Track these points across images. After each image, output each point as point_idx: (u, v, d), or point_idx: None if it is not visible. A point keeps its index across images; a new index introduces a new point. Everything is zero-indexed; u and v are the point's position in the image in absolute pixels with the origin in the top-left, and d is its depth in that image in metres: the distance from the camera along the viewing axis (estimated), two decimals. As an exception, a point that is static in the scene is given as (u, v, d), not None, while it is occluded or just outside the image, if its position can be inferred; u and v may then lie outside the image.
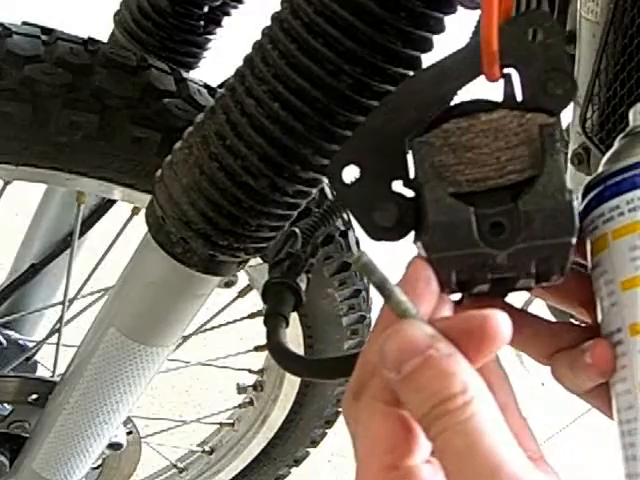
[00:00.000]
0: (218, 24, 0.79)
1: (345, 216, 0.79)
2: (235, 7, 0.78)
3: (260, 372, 0.99)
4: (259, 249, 0.57)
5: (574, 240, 0.32)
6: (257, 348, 0.98)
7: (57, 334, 0.83)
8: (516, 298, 0.37)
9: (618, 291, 0.33)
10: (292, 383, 0.93)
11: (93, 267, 0.87)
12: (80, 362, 0.69)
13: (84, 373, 0.68)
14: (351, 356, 0.35)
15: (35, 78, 0.60)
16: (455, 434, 0.27)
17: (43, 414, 0.74)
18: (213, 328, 0.96)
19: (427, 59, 0.48)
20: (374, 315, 0.87)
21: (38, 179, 0.68)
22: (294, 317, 0.82)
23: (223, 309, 0.95)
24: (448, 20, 0.48)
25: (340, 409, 0.95)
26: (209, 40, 0.79)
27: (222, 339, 1.16)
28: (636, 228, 0.33)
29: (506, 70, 0.34)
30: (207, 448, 1.07)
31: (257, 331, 1.02)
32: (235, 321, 0.97)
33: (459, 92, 0.35)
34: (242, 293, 0.94)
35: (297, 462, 1.05)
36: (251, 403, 1.01)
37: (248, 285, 0.90)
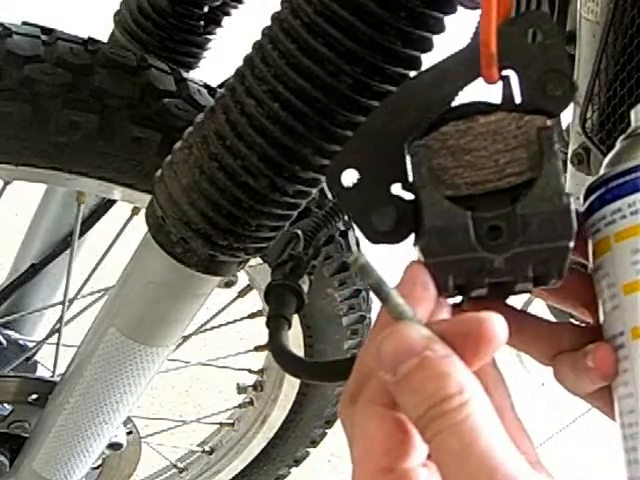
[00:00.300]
0: (218, 24, 0.79)
1: (346, 217, 0.79)
2: (235, 7, 0.78)
3: (260, 372, 0.99)
4: (259, 249, 0.57)
5: (572, 244, 0.32)
6: (257, 348, 0.98)
7: (57, 334, 0.83)
8: (516, 298, 0.37)
9: (620, 294, 0.33)
10: (292, 383, 0.93)
11: (93, 267, 0.87)
12: (80, 362, 0.69)
13: (84, 373, 0.68)
14: (352, 359, 0.35)
15: (35, 78, 0.60)
16: (451, 435, 0.27)
17: (43, 414, 0.74)
18: (213, 328, 0.96)
19: (427, 59, 0.48)
20: (374, 315, 0.86)
21: (38, 179, 0.68)
22: (294, 317, 0.82)
23: (223, 309, 0.95)
24: (448, 20, 0.48)
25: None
26: (209, 40, 0.79)
27: (222, 339, 1.17)
28: (638, 231, 0.33)
29: (505, 72, 0.34)
30: (207, 448, 1.07)
31: (257, 331, 1.03)
32: (235, 321, 0.97)
33: (459, 93, 0.35)
34: (242, 293, 0.94)
35: (297, 462, 1.05)
36: (251, 403, 1.01)
37: (248, 285, 0.90)
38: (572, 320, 0.41)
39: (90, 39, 0.64)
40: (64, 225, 0.89)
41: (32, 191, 0.84)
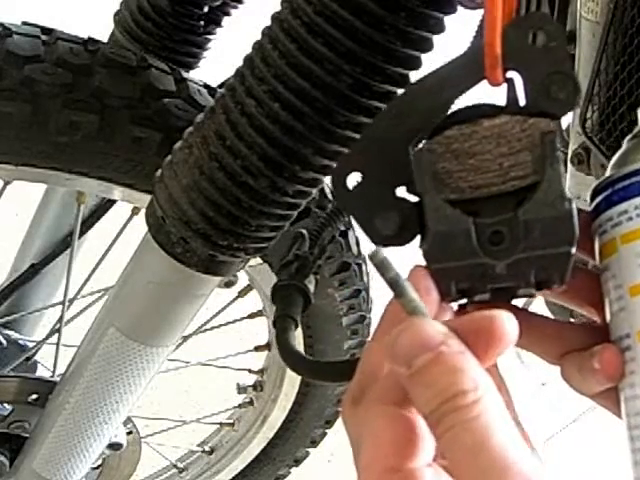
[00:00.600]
0: (218, 24, 0.79)
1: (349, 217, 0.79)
2: (235, 7, 0.78)
3: (260, 372, 0.99)
4: (259, 249, 0.57)
5: (574, 250, 0.32)
6: (257, 348, 0.98)
7: (57, 334, 0.83)
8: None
9: (627, 296, 0.33)
10: (292, 383, 0.93)
11: (93, 267, 0.87)
12: (80, 362, 0.69)
13: (84, 373, 0.68)
14: (359, 359, 0.35)
15: (35, 78, 0.60)
16: (464, 431, 0.27)
17: (43, 414, 0.74)
18: (213, 328, 0.96)
19: (427, 59, 0.48)
20: (374, 315, 0.86)
21: (38, 179, 0.68)
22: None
23: (223, 309, 0.95)
24: (448, 20, 0.48)
25: (340, 409, 0.95)
26: (209, 40, 0.79)
27: (222, 339, 1.16)
28: None
29: (509, 74, 0.34)
30: (207, 448, 1.07)
31: (257, 331, 1.03)
32: (235, 321, 0.97)
33: (462, 96, 0.35)
34: (242, 293, 0.94)
35: (297, 462, 1.05)
36: (251, 403, 1.01)
37: (248, 285, 0.90)
38: (572, 319, 0.40)
39: (90, 39, 0.64)
40: (64, 225, 0.89)
41: (32, 191, 0.84)
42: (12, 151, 0.62)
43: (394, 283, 0.30)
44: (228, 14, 0.79)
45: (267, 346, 0.97)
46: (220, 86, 0.70)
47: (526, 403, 1.56)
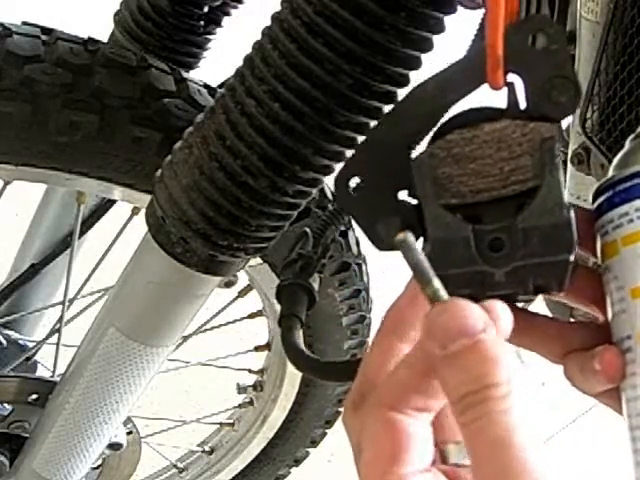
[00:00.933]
0: (218, 24, 0.79)
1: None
2: (235, 7, 0.78)
3: (260, 372, 0.99)
4: (259, 249, 0.57)
5: (572, 257, 0.32)
6: (257, 348, 0.98)
7: (57, 334, 0.83)
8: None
9: (628, 298, 0.33)
10: (292, 383, 0.93)
11: (93, 267, 0.87)
12: (80, 362, 0.69)
13: (84, 373, 0.68)
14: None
15: (35, 78, 0.60)
16: (491, 424, 0.27)
17: (43, 414, 0.74)
18: (213, 328, 0.96)
19: (427, 59, 0.48)
20: (374, 315, 0.86)
21: (38, 179, 0.68)
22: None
23: (223, 309, 0.95)
24: (448, 20, 0.48)
25: (340, 409, 0.95)
26: (209, 40, 0.79)
27: (222, 339, 1.16)
28: None
29: (510, 78, 0.34)
30: (207, 448, 1.07)
31: (257, 331, 1.03)
32: (235, 321, 0.97)
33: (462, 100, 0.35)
34: (242, 293, 0.94)
35: (297, 462, 1.05)
36: (251, 403, 1.01)
37: (248, 285, 0.90)
38: (571, 319, 0.40)
39: (90, 39, 0.64)
40: (64, 225, 0.89)
41: (32, 191, 0.84)
42: (12, 151, 0.62)
43: (420, 271, 0.29)
44: (228, 14, 0.79)
45: (267, 346, 0.97)
46: (220, 86, 0.70)
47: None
